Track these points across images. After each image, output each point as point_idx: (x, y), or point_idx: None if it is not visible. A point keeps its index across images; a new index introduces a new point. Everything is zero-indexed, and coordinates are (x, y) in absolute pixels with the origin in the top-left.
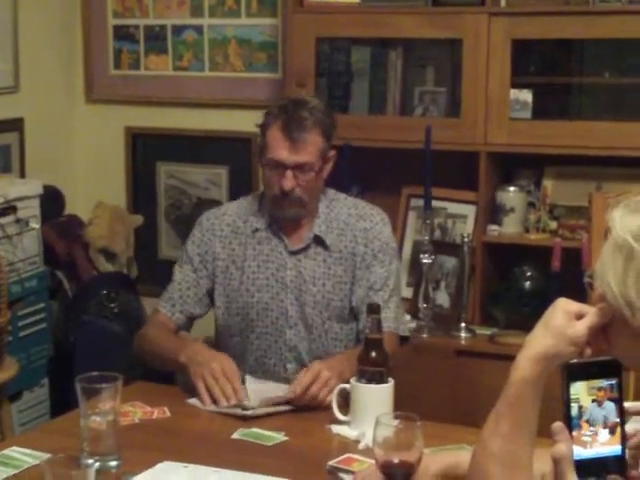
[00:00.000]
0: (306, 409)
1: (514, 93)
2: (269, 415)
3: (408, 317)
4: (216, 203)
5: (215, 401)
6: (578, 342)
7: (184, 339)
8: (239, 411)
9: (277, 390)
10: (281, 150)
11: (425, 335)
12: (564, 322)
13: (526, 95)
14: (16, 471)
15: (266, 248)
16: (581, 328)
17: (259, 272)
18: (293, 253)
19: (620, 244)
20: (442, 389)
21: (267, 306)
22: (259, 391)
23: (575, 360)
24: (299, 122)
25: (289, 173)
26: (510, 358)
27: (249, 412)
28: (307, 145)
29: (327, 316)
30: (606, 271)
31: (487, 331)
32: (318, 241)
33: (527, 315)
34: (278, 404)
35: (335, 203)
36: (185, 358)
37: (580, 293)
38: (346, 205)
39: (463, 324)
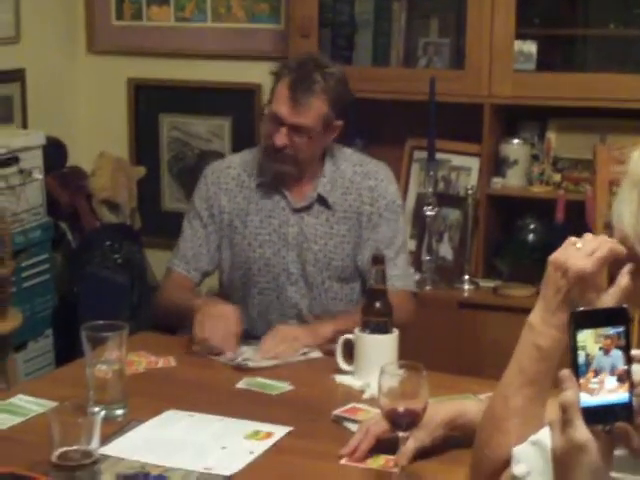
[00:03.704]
0: (311, 359)
1: (518, 44)
2: (268, 368)
3: (412, 270)
4: (219, 155)
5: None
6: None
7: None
8: (237, 362)
9: None
10: (283, 106)
11: (428, 287)
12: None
13: (530, 46)
14: (23, 419)
15: (269, 203)
16: (590, 261)
17: (261, 227)
18: (296, 210)
19: (636, 180)
20: (445, 341)
21: (269, 262)
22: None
23: (582, 308)
24: (308, 84)
25: (284, 130)
26: (513, 310)
27: (250, 364)
28: (309, 109)
29: (327, 275)
30: (622, 208)
31: (490, 283)
32: (321, 200)
33: (530, 267)
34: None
35: (340, 161)
36: (197, 305)
37: None
38: (351, 162)
39: (466, 276)
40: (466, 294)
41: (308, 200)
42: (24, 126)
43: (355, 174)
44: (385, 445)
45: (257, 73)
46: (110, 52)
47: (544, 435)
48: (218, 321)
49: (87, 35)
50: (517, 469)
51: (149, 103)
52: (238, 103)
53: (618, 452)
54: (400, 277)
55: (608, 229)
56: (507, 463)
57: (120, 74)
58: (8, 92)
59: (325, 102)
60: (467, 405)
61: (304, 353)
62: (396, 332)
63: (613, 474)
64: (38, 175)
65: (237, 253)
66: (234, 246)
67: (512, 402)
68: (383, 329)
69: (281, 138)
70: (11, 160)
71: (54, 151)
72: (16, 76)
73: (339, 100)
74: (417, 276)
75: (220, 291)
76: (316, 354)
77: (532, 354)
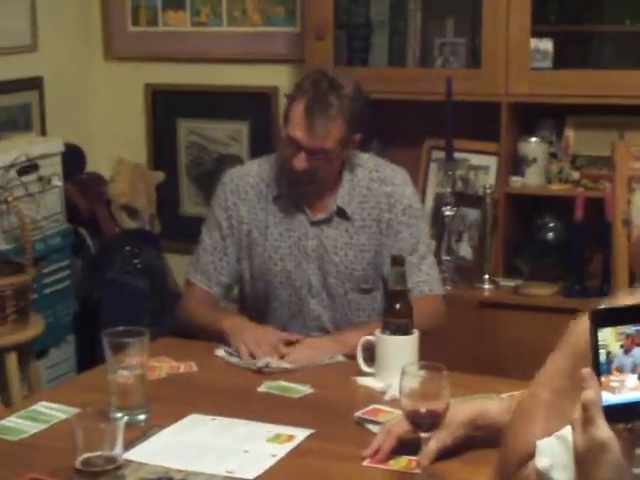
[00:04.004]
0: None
1: (534, 42)
2: (287, 371)
3: (438, 273)
4: (237, 159)
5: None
6: None
7: (225, 312)
8: (258, 366)
9: None
10: (299, 131)
11: (448, 287)
12: None
13: (547, 44)
14: (46, 425)
15: (288, 216)
16: None
17: (281, 240)
18: (314, 223)
19: None
20: (466, 341)
21: (290, 275)
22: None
23: (603, 306)
24: (324, 108)
25: (302, 155)
26: (534, 309)
27: (272, 364)
28: (326, 133)
29: (350, 287)
30: None
31: (510, 282)
32: (340, 212)
33: (550, 266)
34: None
35: (357, 168)
36: (227, 325)
37: (603, 243)
38: (367, 168)
39: (486, 276)
40: (486, 293)
41: (328, 213)
42: (43, 133)
43: (372, 181)
44: (407, 446)
45: (274, 76)
46: (127, 58)
47: (568, 431)
48: (257, 331)
49: (104, 42)
50: (540, 462)
51: (166, 108)
52: (255, 106)
53: None
54: (427, 282)
55: (627, 226)
56: (531, 457)
57: (137, 80)
58: (26, 100)
59: (342, 125)
60: (488, 405)
61: (330, 358)
62: (417, 333)
63: (635, 470)
64: (57, 182)
65: (257, 265)
66: (253, 258)
67: (541, 395)
68: (404, 330)
69: (300, 163)
70: (30, 168)
71: (73, 158)
72: (34, 84)
73: (355, 118)
74: None
75: (241, 298)
76: (339, 357)
77: (567, 350)
